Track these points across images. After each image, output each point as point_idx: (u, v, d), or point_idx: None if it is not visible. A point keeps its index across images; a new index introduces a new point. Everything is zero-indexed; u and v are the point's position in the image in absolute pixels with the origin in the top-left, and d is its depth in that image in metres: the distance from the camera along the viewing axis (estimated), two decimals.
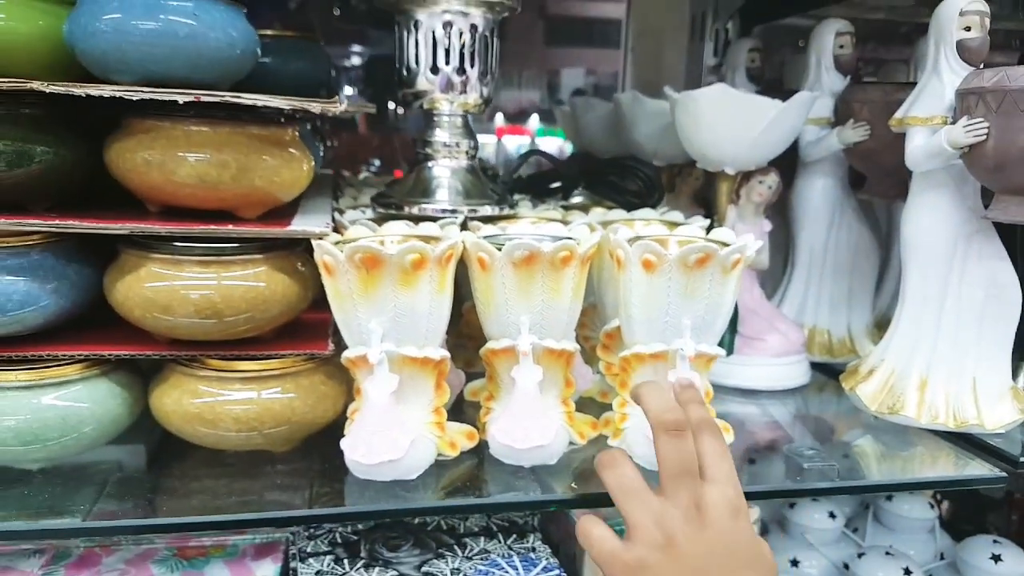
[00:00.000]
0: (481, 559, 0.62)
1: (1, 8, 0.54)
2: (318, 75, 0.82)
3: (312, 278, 0.60)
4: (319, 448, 0.62)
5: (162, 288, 0.55)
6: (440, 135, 0.71)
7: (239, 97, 0.53)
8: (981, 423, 0.68)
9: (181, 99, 0.52)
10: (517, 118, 1.47)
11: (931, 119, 0.67)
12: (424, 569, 0.61)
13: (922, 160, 0.67)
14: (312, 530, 0.66)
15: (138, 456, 0.61)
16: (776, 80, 1.03)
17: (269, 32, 0.75)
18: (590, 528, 0.46)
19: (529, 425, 0.57)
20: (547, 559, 0.63)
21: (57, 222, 0.53)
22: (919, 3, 1.08)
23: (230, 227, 0.55)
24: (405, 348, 0.57)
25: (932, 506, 0.91)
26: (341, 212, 0.71)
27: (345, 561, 0.62)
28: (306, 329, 0.62)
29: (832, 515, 0.88)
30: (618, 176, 0.83)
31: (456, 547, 0.64)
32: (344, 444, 0.56)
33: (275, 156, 0.57)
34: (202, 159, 0.54)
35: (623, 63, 1.31)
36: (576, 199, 0.88)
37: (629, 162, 0.83)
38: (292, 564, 0.62)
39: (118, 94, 0.51)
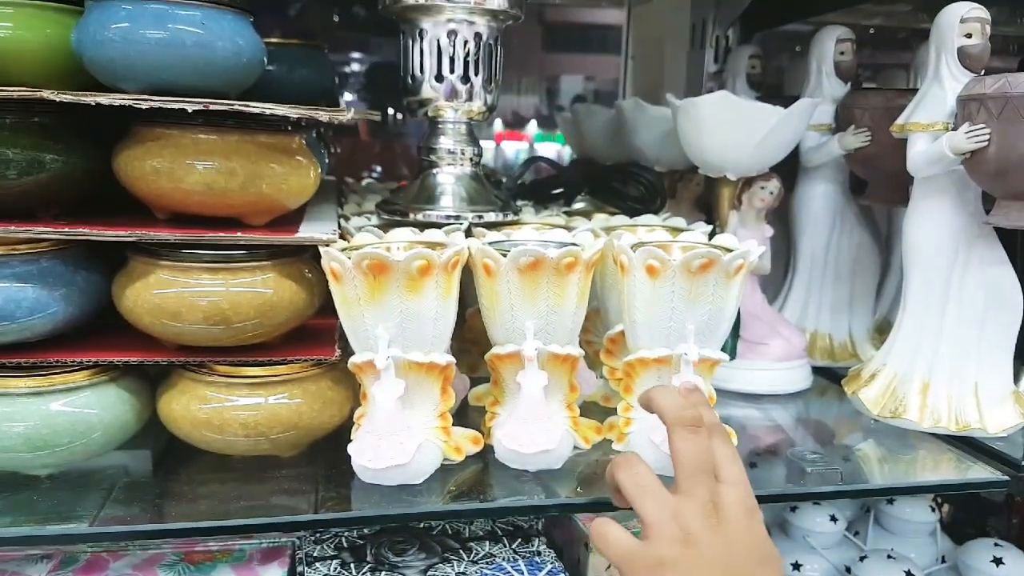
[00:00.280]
0: (487, 563, 0.63)
1: (9, 17, 0.54)
2: (322, 82, 0.83)
3: (319, 284, 0.61)
4: (325, 453, 0.62)
5: (170, 295, 0.55)
6: (444, 142, 0.71)
7: (248, 105, 0.53)
8: (983, 427, 0.68)
9: (190, 108, 0.52)
10: (516, 124, 1.48)
11: (933, 125, 0.67)
12: (430, 573, 0.61)
13: (923, 166, 0.68)
14: (319, 535, 0.66)
15: (144, 462, 0.62)
16: (777, 87, 1.04)
17: (273, 40, 0.76)
18: (606, 530, 0.45)
19: (534, 430, 0.58)
20: (552, 563, 0.63)
21: (66, 229, 0.54)
22: (918, 9, 1.09)
23: (238, 234, 0.56)
24: (411, 353, 0.57)
25: (933, 509, 0.91)
26: (346, 219, 0.72)
27: (351, 565, 0.62)
28: (313, 335, 0.63)
29: (833, 518, 0.88)
30: (620, 182, 0.84)
31: (462, 551, 0.64)
32: (351, 449, 0.57)
33: (283, 164, 0.58)
34: (210, 167, 0.55)
35: (623, 70, 1.31)
36: (578, 205, 0.88)
37: (631, 168, 0.84)
38: (299, 568, 0.62)
39: (127, 103, 0.52)
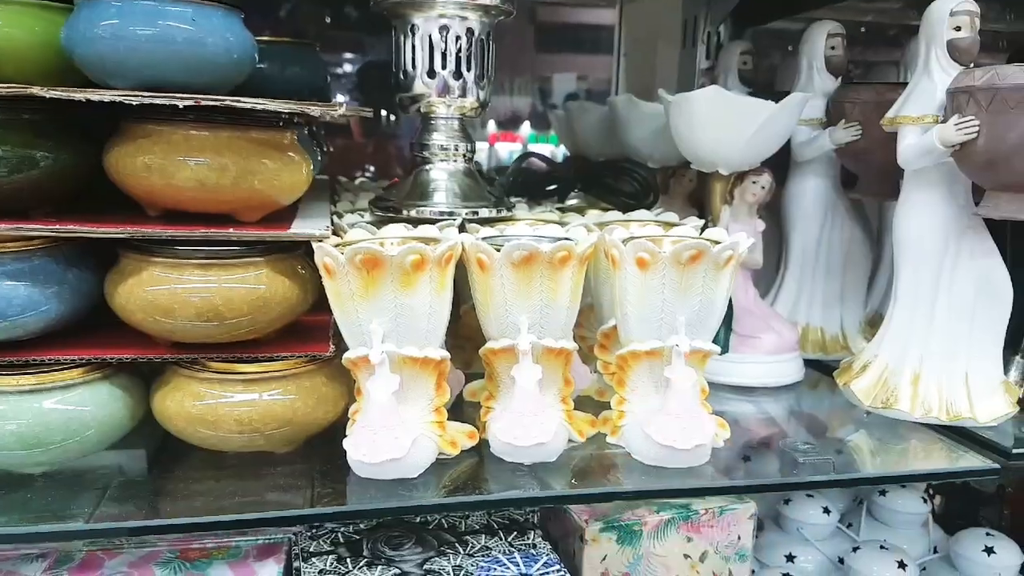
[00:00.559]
0: (483, 556, 0.63)
1: None
2: (314, 81, 0.83)
3: (312, 280, 0.61)
4: (320, 450, 0.62)
5: (163, 291, 0.55)
6: (437, 138, 0.71)
7: (239, 101, 0.53)
8: (974, 416, 0.69)
9: (181, 103, 0.52)
10: (510, 125, 1.48)
11: (922, 118, 0.68)
12: (426, 567, 0.61)
13: (913, 158, 0.68)
14: (314, 530, 0.67)
15: (139, 461, 0.62)
16: (768, 83, 1.04)
17: (265, 38, 0.76)
18: None
19: (529, 423, 0.58)
20: (547, 555, 0.63)
21: (58, 227, 0.54)
22: (907, 5, 1.09)
23: (230, 230, 0.56)
24: (406, 348, 0.57)
25: (925, 501, 0.92)
26: (339, 216, 0.72)
27: (348, 560, 0.62)
28: (307, 331, 0.63)
29: (827, 510, 0.89)
30: (613, 178, 0.84)
31: (458, 545, 0.65)
32: (347, 444, 0.57)
33: (274, 160, 0.58)
34: (202, 163, 0.55)
35: (616, 68, 1.32)
36: (572, 201, 0.89)
37: (624, 164, 0.84)
38: (295, 564, 0.62)
39: (118, 98, 0.52)
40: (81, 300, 0.58)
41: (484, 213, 0.70)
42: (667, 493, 0.60)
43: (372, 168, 1.35)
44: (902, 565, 0.79)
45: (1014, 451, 0.66)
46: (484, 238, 0.61)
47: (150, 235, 0.54)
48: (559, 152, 1.38)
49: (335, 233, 0.61)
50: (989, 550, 0.83)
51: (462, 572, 0.61)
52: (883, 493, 0.92)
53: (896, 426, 0.71)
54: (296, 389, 0.59)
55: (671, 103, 0.77)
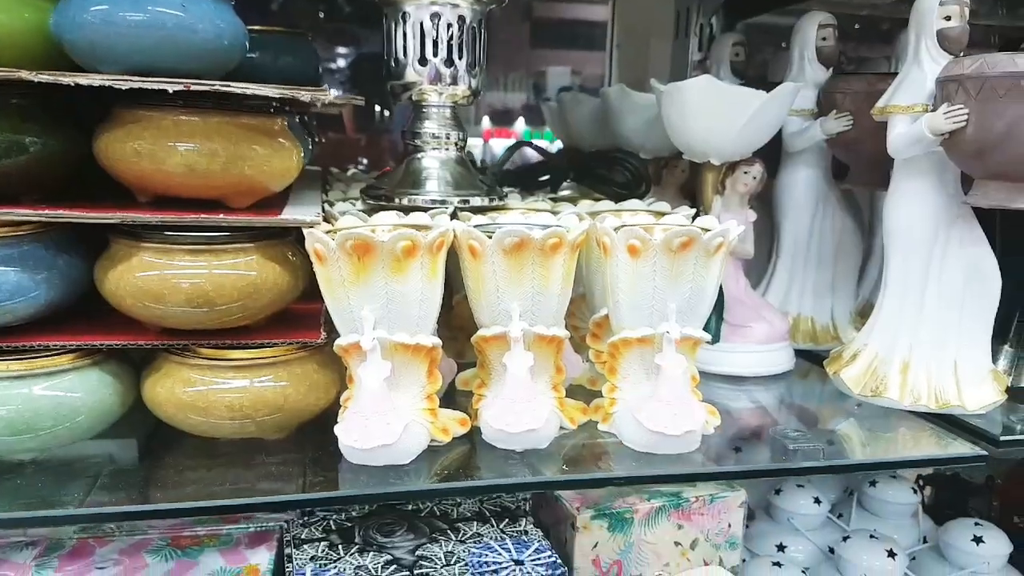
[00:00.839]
0: (474, 542, 0.63)
1: None
2: (306, 71, 0.82)
3: (303, 267, 0.61)
4: (312, 438, 0.62)
5: (153, 277, 0.55)
6: (429, 126, 0.71)
7: (228, 85, 0.53)
8: (962, 404, 0.69)
9: (171, 88, 0.52)
10: (503, 121, 1.48)
11: (912, 107, 0.68)
12: (418, 553, 0.62)
13: (904, 147, 0.69)
14: (306, 518, 0.66)
15: (130, 450, 0.61)
16: (760, 76, 1.04)
17: (257, 27, 0.75)
18: None
19: (521, 410, 0.58)
20: (539, 541, 0.64)
21: (47, 212, 0.54)
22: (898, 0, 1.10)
23: (221, 216, 0.56)
24: (397, 335, 0.57)
25: (915, 491, 0.92)
26: (331, 204, 0.72)
27: (340, 547, 0.62)
28: (298, 319, 0.63)
29: (817, 500, 0.89)
30: (606, 168, 0.84)
31: (449, 532, 0.65)
32: (338, 430, 0.57)
33: (265, 145, 0.58)
34: (191, 148, 0.55)
35: (609, 60, 1.32)
36: (564, 192, 0.89)
37: (617, 154, 0.84)
38: (287, 551, 0.62)
39: (107, 83, 0.51)
40: (71, 286, 0.58)
41: (476, 202, 0.70)
42: (658, 479, 0.61)
43: (364, 161, 1.35)
44: (892, 554, 0.80)
45: (1002, 438, 0.66)
46: (476, 226, 0.61)
47: (140, 220, 0.54)
48: (552, 146, 1.38)
49: (326, 220, 0.60)
50: (978, 540, 0.83)
51: (454, 558, 0.61)
52: (873, 483, 0.92)
53: (885, 414, 0.72)
54: (287, 376, 0.59)
55: (663, 92, 0.77)
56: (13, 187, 0.56)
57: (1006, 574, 0.84)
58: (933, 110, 0.66)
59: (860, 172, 0.87)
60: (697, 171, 0.84)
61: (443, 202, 0.69)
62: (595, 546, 0.67)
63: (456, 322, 0.74)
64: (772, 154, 0.88)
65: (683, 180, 0.96)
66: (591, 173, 0.86)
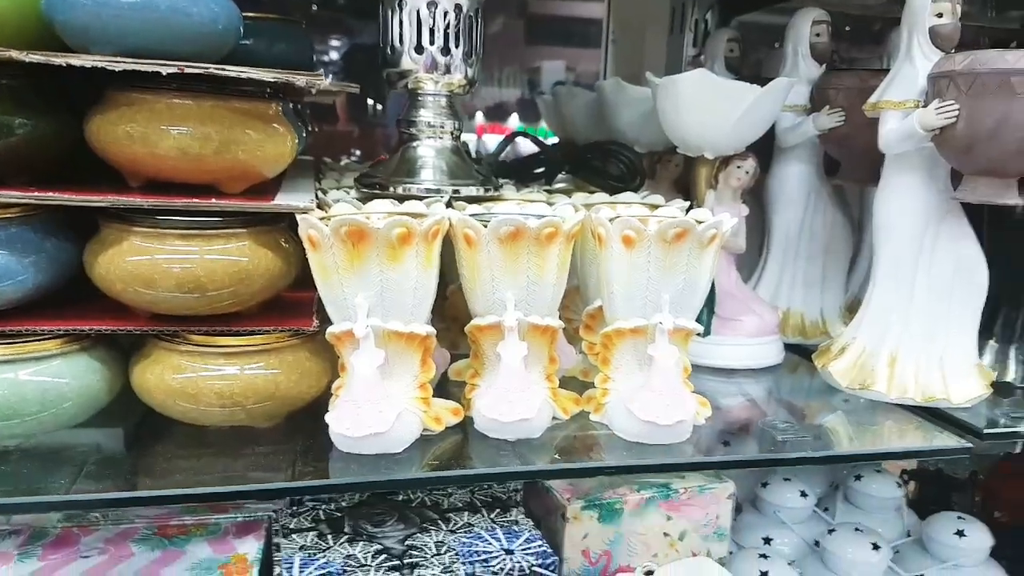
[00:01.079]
0: (465, 532, 0.63)
1: None
2: (300, 59, 0.81)
3: (295, 254, 0.60)
4: (302, 427, 0.61)
5: (144, 262, 0.54)
6: (424, 115, 0.71)
7: (223, 69, 0.52)
8: (948, 398, 0.70)
9: (165, 70, 0.51)
10: (498, 117, 1.48)
11: (904, 103, 0.69)
12: (408, 543, 0.61)
13: (895, 143, 0.69)
14: (295, 508, 0.66)
15: (116, 439, 0.61)
16: (755, 74, 1.05)
17: (251, 14, 0.75)
18: None
19: (514, 399, 0.58)
20: (529, 531, 0.64)
21: (37, 194, 0.53)
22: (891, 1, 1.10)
23: (213, 200, 0.55)
24: (391, 323, 0.57)
25: (899, 485, 0.93)
26: (324, 192, 0.71)
27: (329, 536, 0.62)
28: (290, 306, 0.62)
29: (803, 494, 0.90)
30: (600, 161, 0.84)
31: (440, 521, 0.65)
32: (329, 418, 0.56)
33: (258, 130, 0.57)
34: (184, 132, 0.54)
35: (604, 55, 1.32)
36: (559, 184, 0.89)
37: (611, 146, 0.84)
38: (275, 540, 0.62)
39: (100, 64, 0.51)
40: (59, 270, 0.57)
41: (471, 191, 0.70)
42: (649, 468, 0.61)
43: (358, 152, 1.35)
44: (876, 547, 0.80)
45: (986, 431, 0.67)
46: (471, 215, 0.61)
47: (131, 204, 0.54)
48: (547, 141, 1.38)
49: (320, 207, 0.60)
50: (960, 533, 0.84)
51: (444, 548, 0.61)
52: (858, 478, 0.93)
53: (873, 407, 0.72)
54: (279, 363, 0.59)
55: (659, 86, 0.78)
56: (1, 169, 0.55)
57: (987, 567, 0.85)
58: (924, 106, 0.66)
59: (851, 168, 0.88)
60: (691, 165, 0.84)
61: (438, 191, 0.68)
62: (585, 536, 0.68)
63: (450, 312, 0.74)
64: (764, 149, 0.88)
65: (677, 174, 0.96)
66: (586, 166, 0.86)
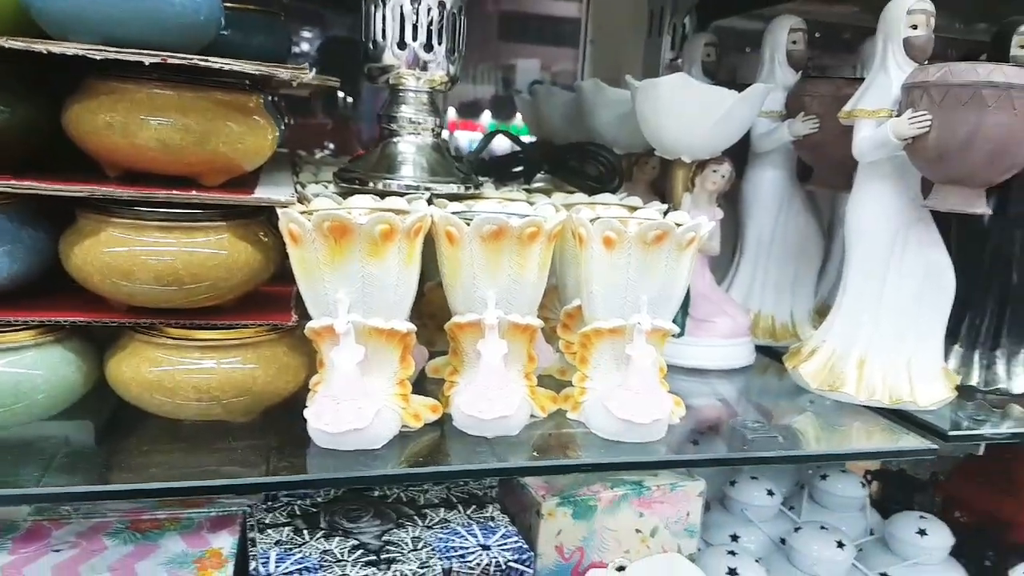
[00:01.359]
0: (441, 528, 0.63)
1: None
2: (278, 51, 0.81)
3: (274, 248, 0.60)
4: (278, 423, 0.61)
5: (122, 253, 0.54)
6: (406, 111, 0.71)
7: (207, 60, 0.52)
8: (915, 400, 0.72)
9: (147, 60, 0.51)
10: (470, 113, 1.48)
11: (878, 112, 0.70)
12: (385, 538, 0.62)
13: (868, 151, 0.71)
14: (271, 503, 0.66)
15: (87, 432, 0.60)
16: (731, 80, 1.06)
17: (230, 4, 0.74)
18: None
19: (493, 397, 0.58)
20: (505, 527, 0.64)
21: (12, 183, 0.52)
22: (863, 9, 1.13)
23: (194, 193, 0.55)
24: (372, 319, 0.57)
25: (863, 485, 0.95)
26: (303, 186, 0.71)
27: (305, 532, 0.62)
28: (269, 301, 0.62)
29: (770, 492, 0.91)
30: (579, 161, 0.85)
31: (416, 517, 0.65)
32: (308, 413, 0.56)
33: (239, 122, 0.56)
34: (165, 123, 0.53)
35: (582, 57, 1.33)
36: (538, 183, 0.89)
37: (590, 147, 0.85)
38: (250, 535, 0.62)
39: (81, 52, 0.50)
40: (35, 260, 0.56)
41: (451, 189, 0.70)
42: (625, 466, 0.62)
43: (331, 145, 1.34)
44: (841, 545, 0.82)
45: (951, 433, 0.69)
46: (453, 213, 0.61)
47: (110, 195, 0.53)
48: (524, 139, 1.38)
49: (300, 201, 0.60)
50: (922, 532, 0.86)
51: (421, 543, 0.61)
52: (824, 477, 0.95)
53: (841, 408, 0.74)
54: (256, 358, 0.58)
55: (638, 89, 0.78)
56: None
57: (948, 565, 0.87)
58: (898, 115, 0.68)
59: (824, 174, 0.90)
60: (668, 168, 0.85)
61: (419, 188, 0.68)
62: (559, 533, 0.68)
63: (427, 309, 0.74)
64: (740, 155, 0.89)
65: (654, 176, 0.97)
66: (565, 166, 0.86)
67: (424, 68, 0.69)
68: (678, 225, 0.61)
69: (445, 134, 1.45)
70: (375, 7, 0.68)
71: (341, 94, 1.35)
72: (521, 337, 0.61)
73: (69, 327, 0.57)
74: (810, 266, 0.97)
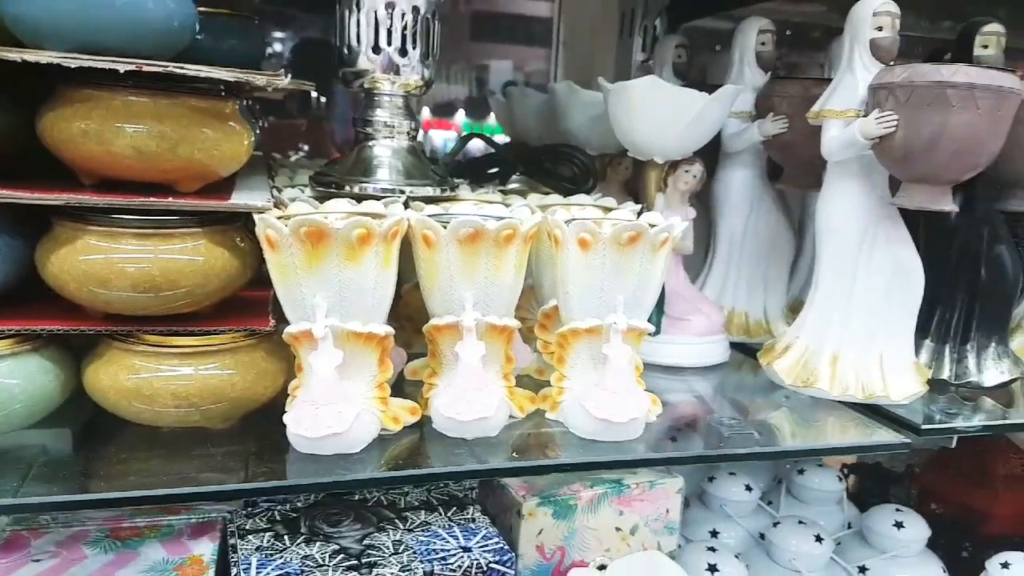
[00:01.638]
0: (422, 531, 0.64)
1: None
2: (252, 55, 0.81)
3: (252, 254, 0.60)
4: (257, 429, 0.61)
5: (98, 261, 0.54)
6: (381, 115, 0.71)
7: (183, 68, 0.52)
8: (887, 395, 0.73)
9: (122, 68, 0.50)
10: (444, 112, 1.48)
11: (845, 112, 0.72)
12: (366, 543, 0.62)
13: (836, 150, 0.72)
14: (250, 509, 0.66)
15: (64, 440, 0.59)
16: (700, 81, 1.07)
17: (202, 8, 0.74)
18: None
19: (472, 398, 0.59)
20: (486, 528, 0.65)
21: None
22: (832, 9, 1.15)
23: (170, 199, 0.55)
24: (350, 323, 0.57)
25: (840, 479, 0.97)
26: (279, 190, 0.71)
27: (285, 537, 0.62)
28: (246, 306, 0.62)
29: (748, 488, 0.93)
30: (553, 162, 0.86)
31: (397, 521, 0.65)
32: (287, 418, 0.56)
33: (215, 129, 0.57)
34: (140, 130, 0.53)
35: (554, 58, 1.33)
36: (513, 185, 0.90)
37: (565, 149, 0.86)
38: (231, 541, 0.62)
39: (56, 60, 0.50)
40: (11, 269, 0.56)
41: (427, 192, 0.70)
42: (604, 465, 0.62)
43: (306, 146, 1.34)
44: (819, 539, 0.84)
45: (923, 427, 0.70)
46: (429, 215, 0.62)
47: (86, 203, 0.53)
48: (498, 140, 1.39)
49: (276, 206, 0.60)
50: (899, 524, 0.88)
51: (402, 547, 0.61)
52: (801, 472, 0.97)
53: (815, 403, 0.75)
54: (234, 364, 0.58)
55: (610, 91, 0.79)
56: None
57: (925, 557, 0.89)
58: (865, 115, 0.69)
59: (794, 173, 0.91)
60: (640, 169, 0.86)
61: (394, 191, 0.69)
62: (540, 533, 0.69)
63: (404, 311, 0.74)
64: (711, 155, 0.91)
65: (627, 177, 0.98)
66: (540, 167, 0.87)
67: (398, 72, 0.69)
68: (652, 226, 0.62)
69: (420, 133, 1.46)
70: (349, 12, 0.68)
71: (315, 95, 1.35)
72: (499, 338, 0.62)
73: (46, 336, 0.57)
74: (782, 263, 0.98)
